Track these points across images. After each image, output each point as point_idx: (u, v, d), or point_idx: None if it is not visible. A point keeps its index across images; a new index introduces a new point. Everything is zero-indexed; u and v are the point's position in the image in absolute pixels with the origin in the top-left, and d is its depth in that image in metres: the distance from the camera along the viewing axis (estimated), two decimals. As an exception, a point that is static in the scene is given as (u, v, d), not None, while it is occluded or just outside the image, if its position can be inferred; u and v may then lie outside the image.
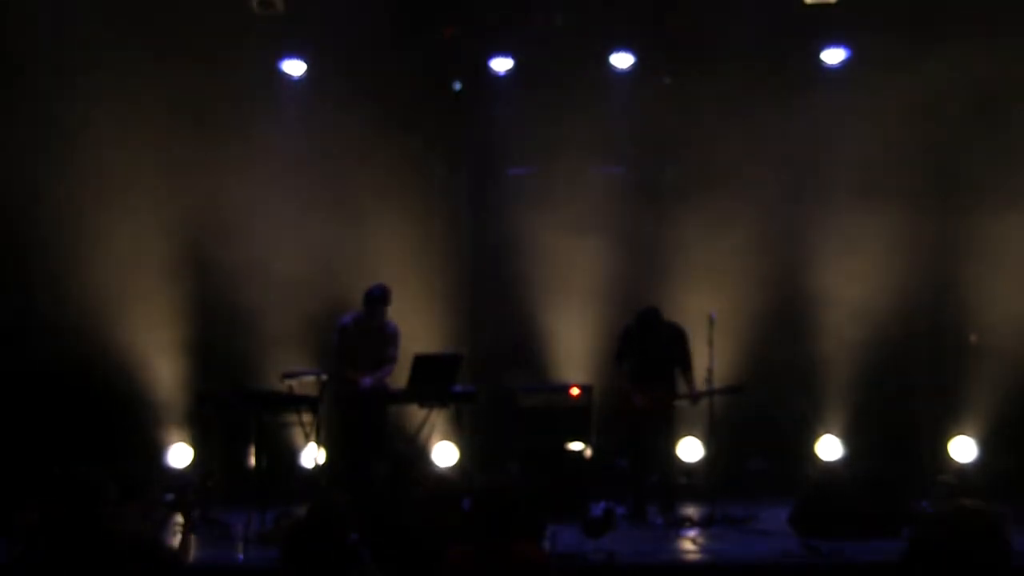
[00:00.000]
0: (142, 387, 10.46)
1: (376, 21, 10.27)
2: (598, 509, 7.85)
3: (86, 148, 9.99)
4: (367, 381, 8.91)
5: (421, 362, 8.85)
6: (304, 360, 10.00)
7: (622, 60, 10.80)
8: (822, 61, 10.71)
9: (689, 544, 7.88)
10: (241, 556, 7.38)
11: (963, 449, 10.40)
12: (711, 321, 9.00)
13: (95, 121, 9.93)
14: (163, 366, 10.50)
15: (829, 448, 10.58)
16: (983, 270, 10.03)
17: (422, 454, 9.94)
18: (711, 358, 8.95)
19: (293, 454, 10.19)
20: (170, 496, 5.21)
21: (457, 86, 11.07)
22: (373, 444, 8.96)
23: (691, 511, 9.11)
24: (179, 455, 10.57)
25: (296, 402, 8.80)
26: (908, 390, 10.58)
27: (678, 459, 10.43)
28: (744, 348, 10.12)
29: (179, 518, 5.44)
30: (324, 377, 9.04)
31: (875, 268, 10.21)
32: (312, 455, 9.43)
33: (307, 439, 8.89)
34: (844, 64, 10.69)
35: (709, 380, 8.98)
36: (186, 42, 9.94)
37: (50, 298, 10.02)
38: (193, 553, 7.73)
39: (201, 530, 8.40)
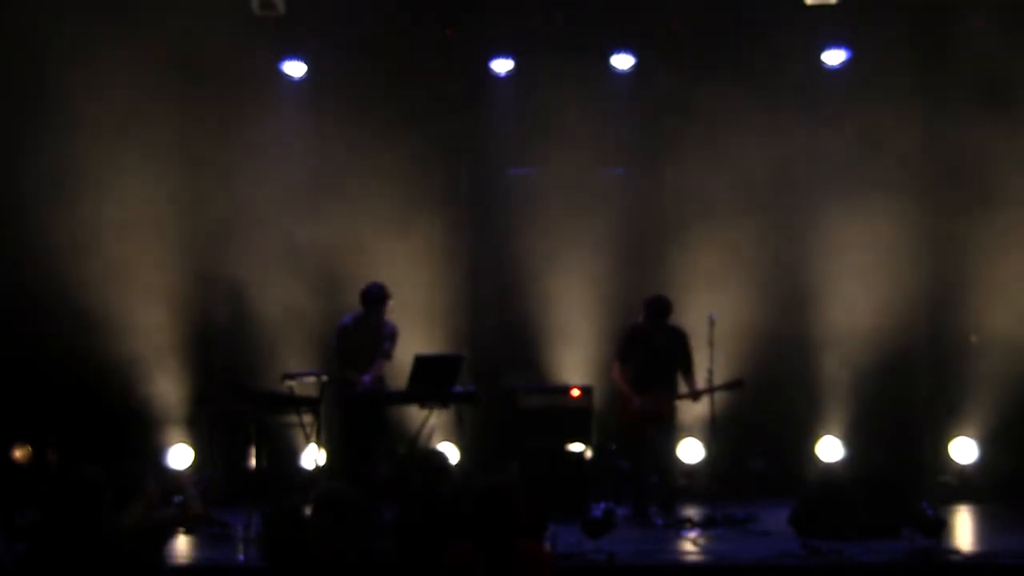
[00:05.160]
0: (142, 388, 10.45)
1: (376, 22, 10.29)
2: (598, 510, 7.84)
3: (86, 151, 9.99)
4: (366, 379, 8.90)
5: (422, 363, 8.84)
6: (304, 361, 10.01)
7: (622, 61, 10.80)
8: (823, 62, 10.71)
9: (689, 545, 7.88)
10: (241, 556, 7.38)
11: (963, 450, 10.40)
12: (711, 322, 9.00)
13: (95, 123, 9.93)
14: (163, 367, 10.50)
15: (829, 449, 10.57)
16: (984, 270, 10.04)
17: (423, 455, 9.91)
18: (711, 359, 8.94)
19: (293, 455, 10.19)
20: (179, 498, 5.20)
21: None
22: (373, 445, 8.95)
23: (691, 512, 9.11)
24: (179, 456, 10.57)
25: (296, 403, 8.80)
26: (908, 391, 10.57)
27: (679, 460, 10.44)
28: (744, 349, 10.11)
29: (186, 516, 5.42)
30: (324, 378, 9.04)
31: (876, 268, 10.22)
32: (312, 456, 9.43)
33: (307, 440, 8.89)
34: (845, 65, 10.68)
35: (710, 380, 8.99)
36: (187, 43, 9.94)
37: (50, 299, 10.00)
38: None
39: (201, 530, 8.42)
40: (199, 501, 5.18)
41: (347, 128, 10.40)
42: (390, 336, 9.05)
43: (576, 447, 9.39)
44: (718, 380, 9.02)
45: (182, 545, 8.04)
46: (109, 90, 9.85)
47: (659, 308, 9.11)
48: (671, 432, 9.33)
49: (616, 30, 10.64)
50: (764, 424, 10.49)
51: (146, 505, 5.00)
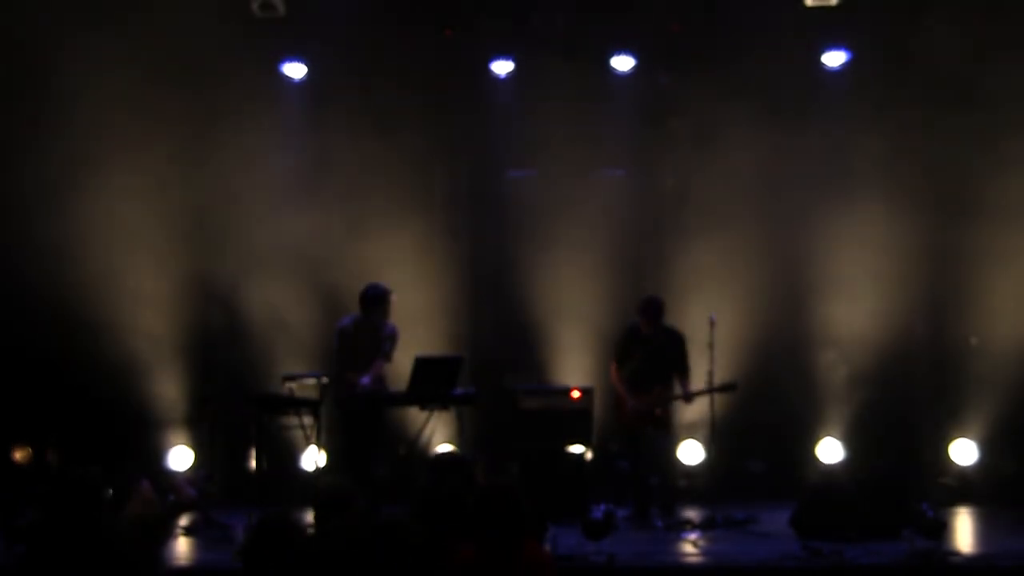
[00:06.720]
0: (143, 390, 10.46)
1: (376, 23, 10.30)
2: (599, 511, 7.84)
3: (88, 153, 9.99)
4: (365, 380, 8.86)
5: (422, 364, 8.82)
6: (305, 363, 10.01)
7: (622, 62, 10.80)
8: (823, 64, 10.71)
9: (690, 546, 7.87)
10: (241, 558, 7.37)
11: (964, 452, 10.39)
12: (711, 323, 9.00)
13: (95, 125, 9.94)
14: (164, 369, 10.50)
15: (830, 450, 10.57)
16: (984, 273, 10.04)
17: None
18: (711, 360, 8.94)
19: (294, 456, 10.19)
20: (172, 497, 5.19)
21: None
22: (373, 446, 8.94)
23: (692, 513, 9.11)
24: (180, 458, 10.57)
25: (297, 404, 8.81)
26: (909, 392, 10.57)
27: (679, 462, 10.44)
28: (744, 350, 10.12)
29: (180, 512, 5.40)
30: (324, 379, 9.05)
31: (876, 270, 10.22)
32: (312, 457, 9.43)
33: (307, 441, 8.90)
34: (845, 67, 10.68)
35: (709, 381, 8.98)
36: (186, 46, 9.95)
37: (50, 300, 10.00)
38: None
39: (201, 532, 8.42)
40: (189, 492, 5.17)
41: (347, 130, 10.42)
42: (390, 337, 9.01)
43: (576, 448, 9.39)
44: (718, 381, 9.01)
45: (182, 547, 8.04)
46: (109, 91, 9.86)
47: (652, 309, 9.11)
48: (668, 433, 9.32)
49: (616, 32, 10.65)
50: (764, 426, 10.49)
51: (141, 505, 5.00)
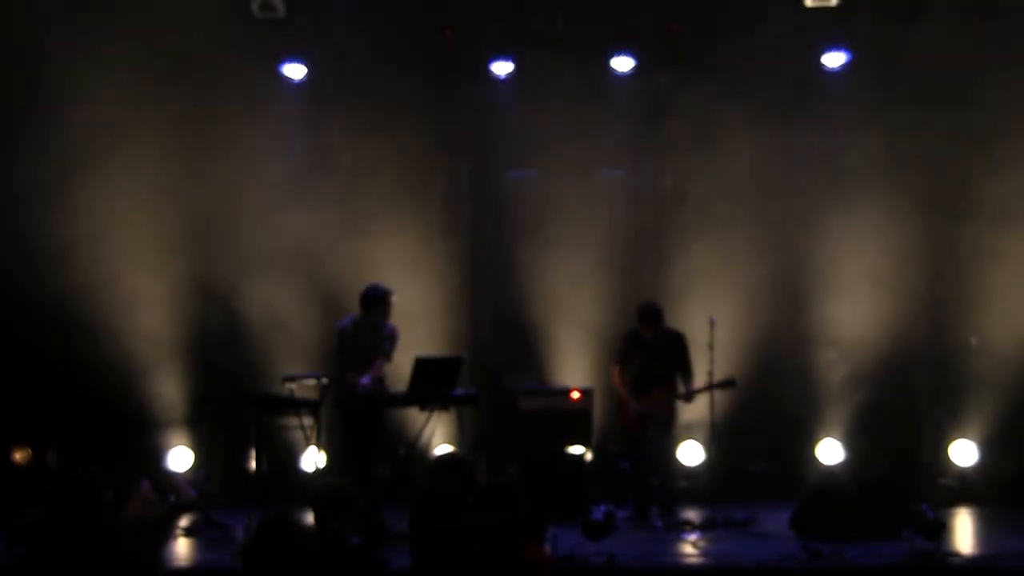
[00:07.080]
0: (143, 390, 10.46)
1: (376, 23, 10.30)
2: (599, 512, 7.83)
3: (88, 153, 10.00)
4: (365, 380, 8.83)
5: (422, 365, 8.80)
6: (305, 363, 10.01)
7: (622, 63, 10.80)
8: (823, 64, 10.71)
9: (690, 547, 7.87)
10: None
11: (964, 452, 10.39)
12: (711, 324, 9.00)
13: (96, 126, 9.94)
14: (164, 369, 10.50)
15: (830, 451, 10.57)
16: (984, 273, 10.04)
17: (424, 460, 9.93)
18: (711, 361, 8.94)
19: (293, 457, 10.19)
20: (172, 498, 5.19)
21: None
22: (373, 446, 8.93)
23: (692, 514, 9.11)
24: (180, 458, 10.57)
25: (297, 405, 8.81)
26: (908, 393, 10.57)
27: (679, 462, 10.43)
28: (744, 351, 10.11)
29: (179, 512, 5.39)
30: (324, 380, 9.04)
31: (876, 271, 10.22)
32: (312, 458, 9.43)
33: (307, 442, 8.90)
34: (844, 68, 10.68)
35: (708, 381, 8.99)
36: (188, 46, 9.96)
37: (50, 301, 10.00)
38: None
39: (201, 532, 8.42)
40: (189, 492, 5.16)
41: (347, 130, 10.42)
42: (390, 337, 8.97)
43: (576, 449, 9.38)
44: (717, 380, 9.02)
45: (181, 547, 8.04)
46: (108, 91, 9.86)
47: (649, 315, 9.12)
48: (670, 434, 9.33)
49: (616, 32, 10.65)
50: (764, 426, 10.50)
51: (141, 505, 4.99)
